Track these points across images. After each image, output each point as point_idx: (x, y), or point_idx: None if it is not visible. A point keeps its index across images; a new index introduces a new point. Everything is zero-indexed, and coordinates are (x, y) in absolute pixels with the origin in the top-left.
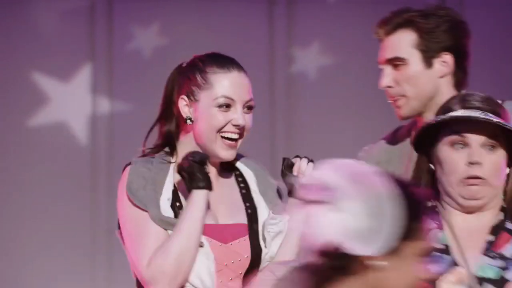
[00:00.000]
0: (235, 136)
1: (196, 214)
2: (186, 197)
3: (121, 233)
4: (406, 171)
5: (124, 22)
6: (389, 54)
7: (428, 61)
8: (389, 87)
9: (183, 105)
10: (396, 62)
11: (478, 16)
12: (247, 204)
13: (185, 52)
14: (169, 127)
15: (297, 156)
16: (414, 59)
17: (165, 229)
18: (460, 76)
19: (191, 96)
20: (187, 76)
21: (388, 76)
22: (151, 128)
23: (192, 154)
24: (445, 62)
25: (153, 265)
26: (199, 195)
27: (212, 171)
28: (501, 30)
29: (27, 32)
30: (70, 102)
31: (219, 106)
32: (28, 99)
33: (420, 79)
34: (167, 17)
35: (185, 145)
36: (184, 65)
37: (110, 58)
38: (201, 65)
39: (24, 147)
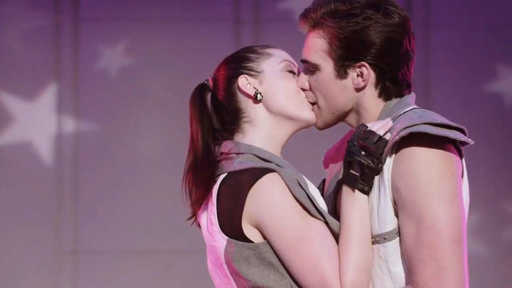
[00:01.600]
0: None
1: (367, 220)
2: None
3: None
4: None
5: (90, 41)
6: (303, 55)
7: (340, 70)
8: (304, 90)
9: (245, 84)
10: (309, 66)
11: (443, 36)
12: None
13: (151, 71)
14: (226, 127)
15: None
16: (326, 66)
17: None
18: (385, 85)
19: (251, 72)
20: (237, 61)
21: (302, 78)
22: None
23: (373, 140)
24: (361, 73)
25: (350, 283)
26: (364, 199)
27: (279, 154)
28: (466, 49)
29: None
30: (35, 121)
31: (288, 70)
32: None
33: (330, 90)
34: (133, 36)
35: (258, 130)
36: (215, 74)
37: (76, 77)
38: (245, 50)
39: None
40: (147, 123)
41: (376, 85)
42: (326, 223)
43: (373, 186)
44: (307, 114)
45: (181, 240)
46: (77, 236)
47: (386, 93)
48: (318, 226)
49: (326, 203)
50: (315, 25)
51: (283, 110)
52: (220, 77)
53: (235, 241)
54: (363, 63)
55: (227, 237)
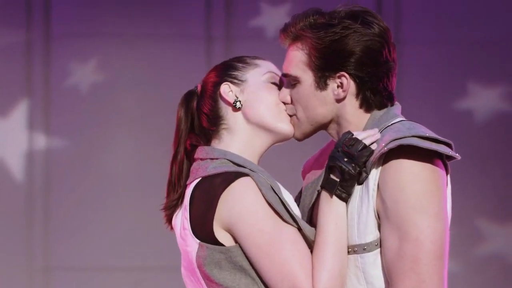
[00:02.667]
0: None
1: (343, 227)
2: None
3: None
4: None
5: (61, 58)
6: (284, 69)
7: (320, 82)
8: (285, 103)
9: (227, 92)
10: (290, 79)
11: (414, 52)
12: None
13: (122, 88)
14: (204, 133)
15: None
16: (306, 78)
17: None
18: (366, 96)
19: (234, 80)
20: (224, 69)
21: (284, 91)
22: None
23: (358, 148)
24: (341, 83)
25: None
26: (341, 206)
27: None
28: (436, 66)
29: None
30: (6, 138)
31: (272, 82)
32: None
33: (310, 101)
34: (104, 53)
35: (235, 138)
36: (204, 80)
37: (47, 93)
38: (234, 59)
39: None
40: (119, 140)
41: (357, 96)
42: (300, 229)
43: (355, 196)
44: (284, 126)
45: (153, 256)
46: (48, 252)
47: (367, 104)
48: (290, 231)
49: (301, 212)
50: (295, 38)
51: (261, 121)
52: (207, 84)
53: (206, 244)
54: (343, 73)
55: (198, 241)
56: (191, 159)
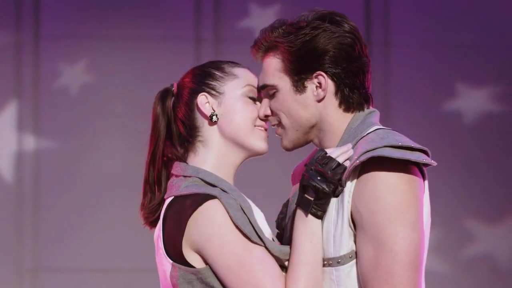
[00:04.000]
0: (265, 127)
1: (318, 245)
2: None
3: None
4: None
5: (50, 59)
6: (260, 82)
7: (298, 85)
8: (267, 116)
9: (204, 103)
10: (268, 91)
11: (402, 54)
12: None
13: (112, 89)
14: (179, 143)
15: None
16: (284, 84)
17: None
18: (345, 94)
19: (212, 91)
20: (202, 76)
21: (264, 105)
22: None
23: (331, 166)
24: (319, 83)
25: None
26: (317, 224)
27: (231, 177)
28: (425, 68)
29: None
30: None
31: (249, 96)
32: None
33: (291, 107)
34: (94, 54)
35: (210, 152)
36: (181, 81)
37: (36, 95)
38: (213, 66)
39: None
40: (108, 141)
41: (336, 93)
42: (268, 249)
43: (331, 209)
44: (258, 144)
45: (142, 258)
46: (38, 253)
47: (346, 102)
48: (259, 252)
49: (286, 224)
50: (267, 50)
51: (235, 137)
52: (184, 88)
53: (178, 265)
54: (319, 72)
55: (171, 261)
56: (167, 168)
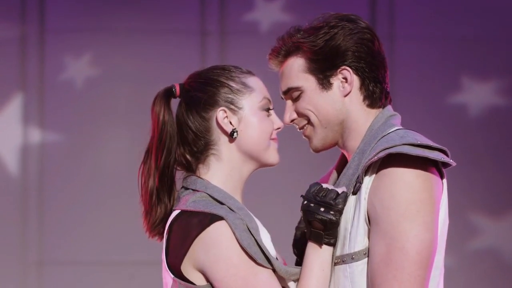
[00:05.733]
0: (276, 135)
1: (328, 272)
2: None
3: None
4: None
5: (55, 53)
6: (284, 87)
7: (324, 82)
8: (293, 120)
9: (222, 118)
10: (292, 94)
11: (408, 48)
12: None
13: (117, 83)
14: (189, 157)
15: None
16: (309, 84)
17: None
18: (369, 89)
19: (231, 105)
20: (215, 87)
21: (289, 110)
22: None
23: (332, 196)
24: (345, 78)
25: None
26: (329, 251)
27: (239, 195)
28: (430, 61)
29: None
30: (1, 132)
31: (266, 109)
32: None
33: (319, 104)
34: (99, 47)
35: (223, 166)
36: (187, 85)
37: (42, 88)
38: (224, 74)
39: None
40: (113, 134)
41: (360, 88)
42: (274, 270)
43: (350, 206)
44: (274, 156)
45: (146, 250)
46: (42, 247)
47: (370, 97)
48: (265, 275)
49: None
50: (287, 54)
51: (253, 152)
52: (193, 97)
53: (179, 281)
54: (344, 67)
55: (172, 276)
56: (174, 177)
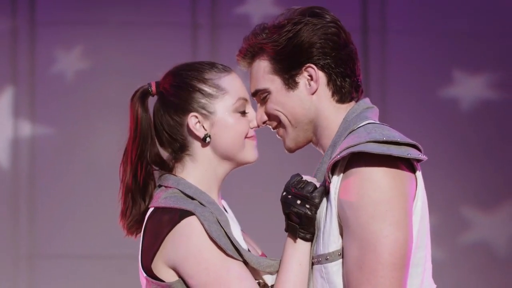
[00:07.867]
0: (254, 134)
1: (306, 267)
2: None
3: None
4: None
5: (46, 46)
6: (252, 89)
7: (290, 82)
8: (265, 122)
9: (194, 123)
10: (261, 96)
11: (399, 41)
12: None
13: (108, 76)
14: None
15: None
16: (275, 85)
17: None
18: (337, 84)
19: (202, 110)
20: (188, 91)
21: (259, 112)
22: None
23: (309, 190)
24: (310, 76)
25: None
26: (306, 246)
27: (215, 194)
28: (422, 55)
29: None
30: None
31: (240, 111)
32: None
33: (287, 104)
34: (90, 41)
35: (198, 166)
36: (161, 87)
37: (32, 81)
38: (196, 77)
39: None
40: (104, 127)
41: (328, 84)
42: (246, 262)
43: (323, 206)
44: (250, 155)
45: (137, 244)
46: (34, 240)
47: (339, 93)
48: (237, 268)
49: None
50: (253, 56)
51: (228, 153)
52: (168, 101)
53: (151, 279)
54: (309, 64)
55: (145, 275)
56: (151, 175)
